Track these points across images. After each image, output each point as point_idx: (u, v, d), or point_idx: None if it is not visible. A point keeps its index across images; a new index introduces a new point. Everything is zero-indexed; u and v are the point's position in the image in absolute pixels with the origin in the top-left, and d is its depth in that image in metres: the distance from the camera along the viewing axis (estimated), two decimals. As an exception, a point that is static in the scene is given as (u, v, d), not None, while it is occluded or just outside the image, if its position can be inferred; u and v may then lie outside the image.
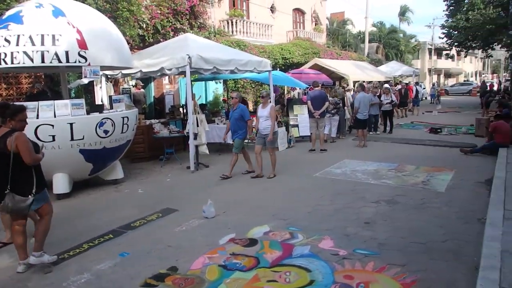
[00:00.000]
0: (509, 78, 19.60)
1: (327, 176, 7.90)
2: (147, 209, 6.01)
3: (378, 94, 13.58)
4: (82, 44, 6.29)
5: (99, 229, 5.25)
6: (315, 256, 4.29)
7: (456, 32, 24.20)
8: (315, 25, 25.47)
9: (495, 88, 27.89)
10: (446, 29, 24.88)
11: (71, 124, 6.30)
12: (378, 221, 5.33)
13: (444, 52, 49.50)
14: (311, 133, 10.74)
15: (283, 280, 3.81)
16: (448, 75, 56.96)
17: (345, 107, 13.16)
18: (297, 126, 11.87)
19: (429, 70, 48.91)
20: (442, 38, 25.58)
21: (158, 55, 8.73)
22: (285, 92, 15.69)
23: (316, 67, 16.06)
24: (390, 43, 36.06)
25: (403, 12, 46.89)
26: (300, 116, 11.80)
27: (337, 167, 8.54)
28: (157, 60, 8.52)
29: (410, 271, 3.91)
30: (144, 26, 11.69)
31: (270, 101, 8.43)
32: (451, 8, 24.20)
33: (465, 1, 23.01)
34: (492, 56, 31.10)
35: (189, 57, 8.02)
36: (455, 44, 27.87)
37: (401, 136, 12.76)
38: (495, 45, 24.53)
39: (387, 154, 9.89)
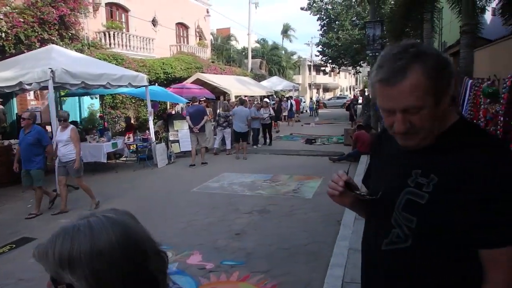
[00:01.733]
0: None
1: (204, 190, 7.92)
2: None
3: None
4: None
5: None
6: (181, 273, 4.23)
7: (329, 50, 26.70)
8: (199, 40, 25.72)
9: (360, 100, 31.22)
10: (320, 46, 27.26)
11: None
12: (249, 231, 5.48)
13: (322, 68, 54.21)
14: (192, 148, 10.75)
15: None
16: (326, 89, 62.22)
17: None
18: (178, 141, 11.74)
19: (309, 85, 52.87)
20: (318, 56, 27.91)
21: (16, 69, 7.90)
22: (168, 108, 15.45)
23: (198, 81, 16.14)
24: (273, 59, 38.09)
25: (285, 30, 50.12)
26: (181, 131, 11.71)
27: (215, 181, 8.63)
28: (14, 74, 7.70)
29: (272, 276, 4.09)
30: (3, 35, 10.52)
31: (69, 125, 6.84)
32: (324, 28, 26.68)
33: (336, 22, 25.62)
34: (360, 72, 34.83)
35: (52, 70, 7.41)
36: (329, 61, 30.75)
37: (280, 148, 13.45)
38: (362, 62, 27.69)
39: (265, 165, 10.33)
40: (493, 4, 11.74)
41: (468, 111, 7.27)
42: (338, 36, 24.02)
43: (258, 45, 39.04)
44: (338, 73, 46.84)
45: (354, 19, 24.84)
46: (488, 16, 13.85)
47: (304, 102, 34.63)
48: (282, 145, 14.20)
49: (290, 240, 5.08)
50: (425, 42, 14.07)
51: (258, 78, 29.14)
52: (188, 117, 10.81)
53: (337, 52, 25.14)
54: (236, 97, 16.10)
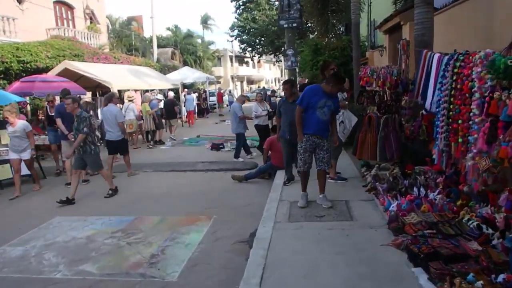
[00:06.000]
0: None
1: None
2: None
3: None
4: None
5: None
6: None
7: (245, 36, 23.52)
8: (91, 24, 21.15)
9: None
10: (236, 30, 23.94)
11: None
12: None
13: (246, 60, 51.24)
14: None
15: None
16: (250, 81, 59.34)
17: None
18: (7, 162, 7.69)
19: (232, 77, 49.60)
20: (232, 41, 24.65)
21: None
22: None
23: (68, 72, 12.03)
24: (187, 49, 34.11)
25: (205, 20, 46.23)
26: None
27: (28, 239, 4.89)
28: None
29: None
30: None
31: None
32: (239, 10, 23.41)
33: (252, 2, 22.44)
34: (281, 61, 32.23)
35: None
36: (249, 49, 27.65)
37: (171, 159, 9.86)
38: (281, 51, 24.95)
39: (134, 195, 6.76)
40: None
41: (447, 105, 4.31)
42: (254, 17, 20.91)
43: (170, 32, 34.78)
44: (259, 62, 44.09)
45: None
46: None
47: (225, 96, 31.17)
48: (177, 154, 10.61)
49: None
50: (352, 18, 11.29)
51: (168, 69, 25.15)
52: (59, 120, 7.53)
53: (254, 36, 22.06)
54: (119, 91, 12.24)
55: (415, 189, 4.93)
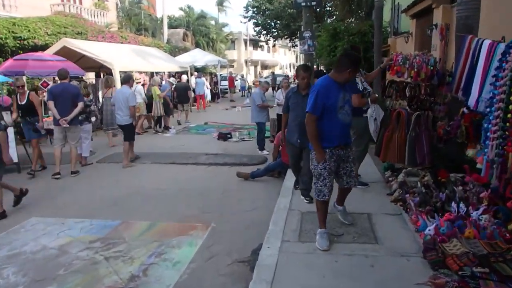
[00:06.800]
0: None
1: None
2: None
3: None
4: None
5: None
6: None
7: (260, 17, 22.49)
8: (98, 1, 20.31)
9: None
10: (250, 12, 22.88)
11: None
12: None
13: (260, 44, 49.96)
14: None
15: None
16: (264, 66, 58.06)
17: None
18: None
19: (246, 61, 48.44)
20: (246, 22, 23.67)
21: None
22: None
23: (67, 51, 11.25)
24: (200, 30, 33.08)
25: (220, 2, 44.98)
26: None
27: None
28: None
29: None
30: None
31: None
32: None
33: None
34: (297, 45, 31.09)
35: None
36: (263, 32, 26.63)
37: (173, 149, 9.08)
38: (297, 35, 23.90)
39: (124, 190, 6.00)
40: None
41: (503, 105, 3.42)
42: (269, -1, 19.90)
43: (182, 13, 33.73)
44: (274, 46, 42.86)
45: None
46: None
47: (237, 80, 30.18)
48: (180, 144, 9.83)
49: None
50: (376, 1, 10.34)
51: (179, 51, 24.25)
52: (51, 102, 6.76)
53: (269, 18, 21.00)
54: (121, 72, 11.47)
55: (453, 204, 4.06)
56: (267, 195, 5.63)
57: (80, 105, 6.94)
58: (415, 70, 4.82)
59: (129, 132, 7.66)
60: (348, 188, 3.93)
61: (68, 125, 6.76)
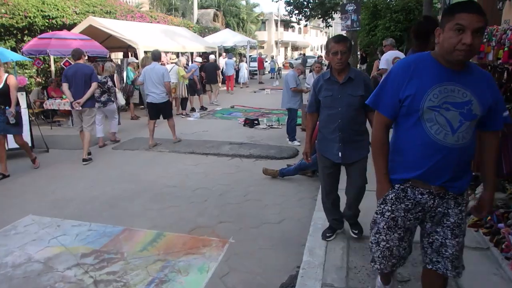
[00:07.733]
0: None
1: None
2: None
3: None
4: None
5: None
6: None
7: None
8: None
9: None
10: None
11: None
12: None
13: (291, 25, 48.41)
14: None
15: None
16: (295, 48, 56.44)
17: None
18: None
19: (276, 43, 47.10)
20: (277, 1, 22.48)
21: None
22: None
23: (93, 30, 10.64)
24: (231, 11, 32.04)
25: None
26: None
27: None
28: None
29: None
30: None
31: None
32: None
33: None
34: (331, 26, 29.61)
35: None
36: (295, 12, 25.42)
37: (194, 137, 8.32)
38: (333, 13, 22.60)
39: (136, 185, 5.31)
40: None
41: None
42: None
43: (212, -8, 32.70)
44: (305, 26, 41.35)
45: None
46: None
47: (267, 61, 29.14)
48: (203, 129, 9.06)
49: None
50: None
51: (209, 31, 23.38)
52: (65, 85, 6.35)
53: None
54: (146, 52, 10.78)
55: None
56: (299, 202, 4.76)
57: (94, 85, 6.43)
58: (507, 48, 3.61)
59: (168, 109, 7.57)
60: (434, 272, 2.03)
61: (81, 108, 6.31)
